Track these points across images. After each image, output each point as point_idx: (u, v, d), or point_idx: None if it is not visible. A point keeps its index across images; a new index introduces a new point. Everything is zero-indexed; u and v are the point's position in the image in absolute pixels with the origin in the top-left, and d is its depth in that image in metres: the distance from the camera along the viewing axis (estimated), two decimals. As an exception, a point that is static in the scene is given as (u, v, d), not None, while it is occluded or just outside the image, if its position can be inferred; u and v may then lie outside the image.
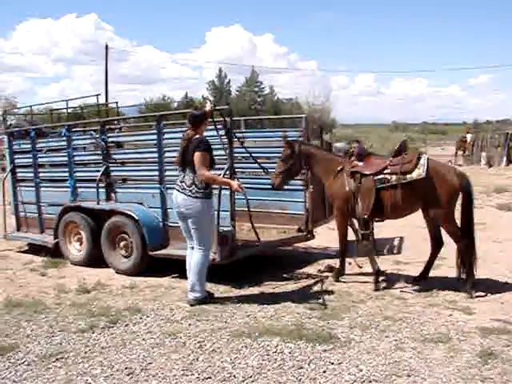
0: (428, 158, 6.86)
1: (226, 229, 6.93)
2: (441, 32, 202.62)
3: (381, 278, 7.12)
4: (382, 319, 5.74)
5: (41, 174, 9.45)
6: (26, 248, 9.93)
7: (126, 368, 4.71)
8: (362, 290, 6.86)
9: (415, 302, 6.33)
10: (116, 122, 10.10)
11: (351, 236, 7.63)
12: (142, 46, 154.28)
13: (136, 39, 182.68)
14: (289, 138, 8.27)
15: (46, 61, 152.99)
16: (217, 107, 6.89)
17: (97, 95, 11.82)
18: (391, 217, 7.21)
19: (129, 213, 7.76)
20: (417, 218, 12.25)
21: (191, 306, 6.34)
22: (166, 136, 7.63)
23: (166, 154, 7.57)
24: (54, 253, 8.87)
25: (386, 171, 6.87)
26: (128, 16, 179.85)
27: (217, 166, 6.67)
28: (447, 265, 8.05)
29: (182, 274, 7.48)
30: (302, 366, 4.68)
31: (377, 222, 7.35)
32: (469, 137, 31.69)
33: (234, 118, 7.47)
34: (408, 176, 6.70)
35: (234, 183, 6.39)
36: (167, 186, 7.53)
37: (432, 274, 7.58)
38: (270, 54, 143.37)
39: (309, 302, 6.37)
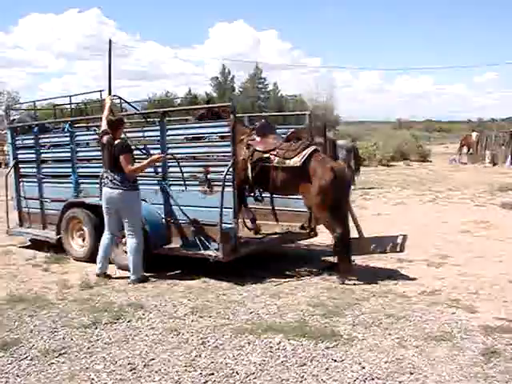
0: (314, 150, 7.30)
1: (228, 226, 6.94)
2: (446, 29, 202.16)
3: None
4: (385, 317, 5.72)
5: (44, 170, 9.45)
6: (29, 243, 9.94)
7: (128, 364, 4.71)
8: (364, 287, 6.84)
9: (418, 300, 6.32)
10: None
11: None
12: (145, 41, 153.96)
13: (139, 34, 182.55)
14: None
15: (49, 56, 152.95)
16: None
17: (100, 91, 11.81)
18: (274, 192, 7.90)
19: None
20: (420, 216, 12.31)
21: (132, 285, 7.11)
22: (169, 132, 7.63)
23: (169, 151, 7.57)
24: (57, 248, 8.87)
25: (272, 152, 7.42)
26: (130, 11, 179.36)
27: (219, 163, 7.15)
28: (451, 263, 8.06)
29: (185, 271, 7.51)
30: (304, 363, 4.67)
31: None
32: (474, 135, 31.66)
33: (238, 115, 7.49)
34: (286, 161, 7.26)
35: (155, 156, 7.42)
36: (170, 182, 7.53)
37: (435, 272, 7.60)
38: (274, 50, 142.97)
39: (312, 299, 6.37)
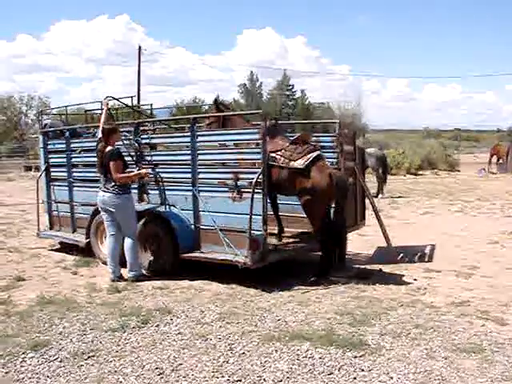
0: (318, 155, 7.43)
1: (257, 233, 6.95)
2: (476, 37, 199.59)
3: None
4: (413, 327, 5.67)
5: (74, 174, 9.58)
6: (58, 246, 10.07)
7: (156, 368, 4.74)
8: (392, 297, 6.79)
9: (447, 311, 6.25)
10: (149, 124, 10.18)
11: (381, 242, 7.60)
12: (173, 47, 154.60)
13: (167, 40, 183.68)
14: (322, 143, 8.25)
15: (78, 61, 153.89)
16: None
17: (131, 97, 11.93)
18: (280, 192, 8.03)
19: (161, 214, 7.83)
20: (448, 226, 12.18)
21: (132, 281, 7.51)
22: (199, 138, 7.68)
23: (199, 157, 7.62)
24: (86, 252, 8.97)
25: (278, 153, 7.55)
26: (159, 17, 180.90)
27: (248, 170, 7.19)
28: (480, 274, 7.96)
29: (213, 277, 7.54)
30: (332, 371, 4.65)
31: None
32: (505, 144, 31.27)
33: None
34: (290, 163, 7.42)
35: (143, 171, 7.94)
36: (200, 188, 7.57)
37: (464, 283, 7.51)
38: (302, 57, 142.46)
39: (339, 307, 6.34)
